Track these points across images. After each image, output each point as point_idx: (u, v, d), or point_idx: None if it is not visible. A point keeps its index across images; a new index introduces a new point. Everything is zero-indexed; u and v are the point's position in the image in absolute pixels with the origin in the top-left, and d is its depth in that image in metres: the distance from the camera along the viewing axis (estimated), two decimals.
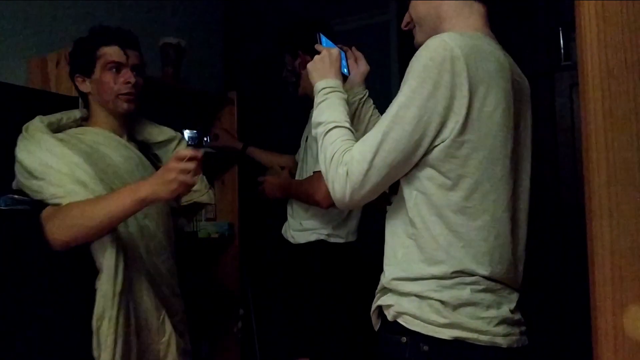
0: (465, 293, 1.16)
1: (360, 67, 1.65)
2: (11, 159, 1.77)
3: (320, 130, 1.30)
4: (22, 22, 2.32)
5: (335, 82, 1.38)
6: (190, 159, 1.48)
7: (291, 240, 2.26)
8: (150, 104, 1.96)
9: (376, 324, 1.32)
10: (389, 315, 1.23)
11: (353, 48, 1.76)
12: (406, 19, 1.41)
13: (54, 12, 2.45)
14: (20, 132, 1.72)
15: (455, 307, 1.16)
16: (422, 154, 1.17)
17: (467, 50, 1.14)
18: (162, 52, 2.66)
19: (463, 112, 1.13)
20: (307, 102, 2.38)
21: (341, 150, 1.22)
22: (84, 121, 1.86)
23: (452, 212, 1.17)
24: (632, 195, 0.64)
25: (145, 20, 2.89)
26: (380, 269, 1.32)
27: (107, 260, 1.58)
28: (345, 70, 1.57)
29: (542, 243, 2.58)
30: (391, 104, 1.19)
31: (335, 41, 1.62)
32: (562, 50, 2.59)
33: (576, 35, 0.70)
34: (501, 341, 1.17)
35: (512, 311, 1.21)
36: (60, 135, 1.74)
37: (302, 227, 2.21)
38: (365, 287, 1.51)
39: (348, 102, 1.40)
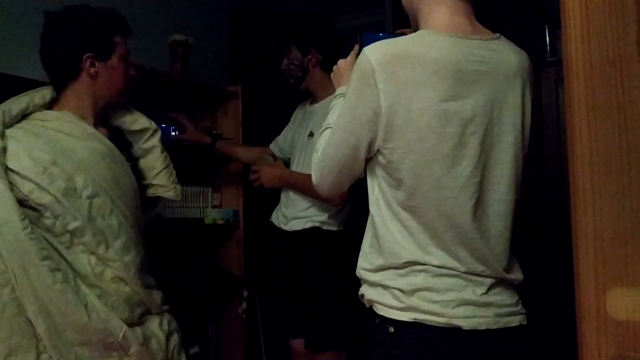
0: (418, 279, 1.17)
1: None
2: None
3: (321, 130, 1.37)
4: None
5: (345, 89, 1.34)
6: None
7: (284, 227, 2.22)
8: (160, 98, 1.95)
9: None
10: (365, 302, 1.28)
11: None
12: None
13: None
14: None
15: (411, 292, 1.17)
16: (365, 155, 1.21)
17: (388, 60, 1.12)
18: (171, 49, 2.65)
19: (384, 121, 1.13)
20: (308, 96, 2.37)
21: (321, 148, 1.31)
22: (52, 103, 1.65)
23: (401, 209, 1.19)
24: (614, 184, 0.64)
25: (154, 17, 2.87)
26: None
27: None
28: None
29: (528, 233, 2.58)
30: None
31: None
32: (548, 47, 2.59)
33: (561, 31, 0.70)
34: (461, 323, 1.14)
35: (481, 294, 1.17)
36: (22, 124, 1.56)
37: (298, 216, 2.17)
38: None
39: None
